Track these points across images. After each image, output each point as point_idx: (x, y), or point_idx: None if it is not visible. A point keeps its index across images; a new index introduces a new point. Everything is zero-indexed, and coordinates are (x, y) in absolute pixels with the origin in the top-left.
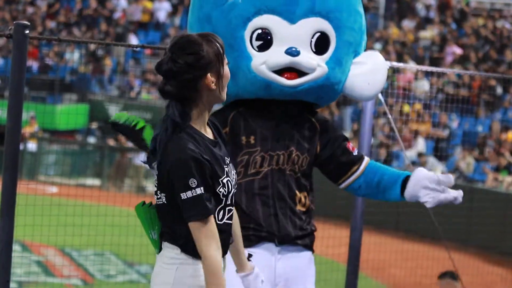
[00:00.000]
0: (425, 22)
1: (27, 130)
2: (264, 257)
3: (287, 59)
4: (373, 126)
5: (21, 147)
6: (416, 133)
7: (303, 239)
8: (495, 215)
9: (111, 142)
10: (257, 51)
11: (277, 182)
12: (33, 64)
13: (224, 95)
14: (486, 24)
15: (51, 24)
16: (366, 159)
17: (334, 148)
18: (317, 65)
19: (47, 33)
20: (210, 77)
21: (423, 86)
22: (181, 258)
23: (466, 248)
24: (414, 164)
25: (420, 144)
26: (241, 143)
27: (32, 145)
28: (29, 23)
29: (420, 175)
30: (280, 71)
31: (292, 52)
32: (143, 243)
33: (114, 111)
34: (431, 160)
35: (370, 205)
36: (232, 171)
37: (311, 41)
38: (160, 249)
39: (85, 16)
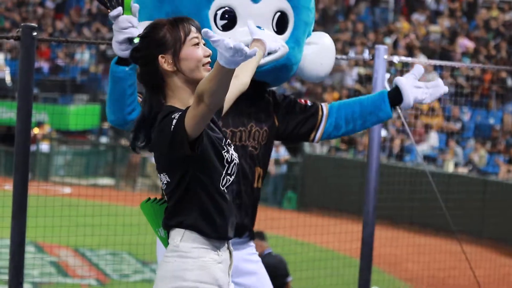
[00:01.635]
0: (435, 16)
1: (39, 131)
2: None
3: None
4: None
5: (34, 148)
6: (428, 127)
7: (251, 225)
8: (509, 207)
9: (123, 142)
10: (221, 30)
11: (241, 158)
12: (44, 65)
13: (195, 75)
14: (496, 17)
15: (60, 24)
16: (324, 104)
17: (290, 113)
18: (281, 45)
19: (57, 33)
20: (162, 59)
21: (434, 79)
22: (180, 250)
23: (480, 241)
24: (427, 158)
25: (433, 138)
26: None
27: (44, 146)
28: (36, 25)
29: (403, 82)
30: None
31: None
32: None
33: None
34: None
35: (382, 199)
36: (232, 149)
37: (272, 20)
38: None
39: (95, 16)
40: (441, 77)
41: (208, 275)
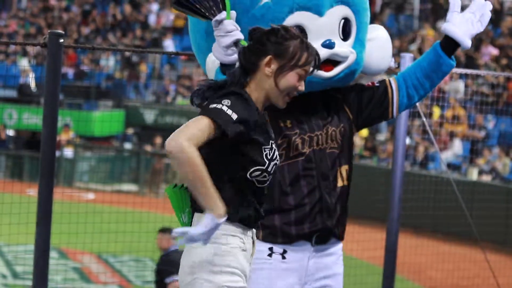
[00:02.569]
0: None
1: (62, 137)
2: (297, 256)
3: (326, 52)
4: (409, 127)
5: (58, 154)
6: (452, 135)
7: (341, 227)
8: None
9: (147, 148)
10: None
11: (320, 162)
12: (69, 71)
13: (281, 99)
14: None
15: (86, 30)
16: (392, 78)
17: (361, 101)
18: (350, 52)
19: (82, 39)
20: (269, 60)
21: (458, 87)
22: None
23: (504, 249)
24: (451, 166)
25: (457, 146)
26: (279, 126)
27: (68, 152)
28: (63, 32)
29: (451, 29)
30: None
31: (329, 44)
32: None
33: (150, 117)
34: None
35: (406, 207)
36: (276, 152)
37: (338, 29)
38: None
39: (120, 22)
40: (466, 85)
41: (236, 260)
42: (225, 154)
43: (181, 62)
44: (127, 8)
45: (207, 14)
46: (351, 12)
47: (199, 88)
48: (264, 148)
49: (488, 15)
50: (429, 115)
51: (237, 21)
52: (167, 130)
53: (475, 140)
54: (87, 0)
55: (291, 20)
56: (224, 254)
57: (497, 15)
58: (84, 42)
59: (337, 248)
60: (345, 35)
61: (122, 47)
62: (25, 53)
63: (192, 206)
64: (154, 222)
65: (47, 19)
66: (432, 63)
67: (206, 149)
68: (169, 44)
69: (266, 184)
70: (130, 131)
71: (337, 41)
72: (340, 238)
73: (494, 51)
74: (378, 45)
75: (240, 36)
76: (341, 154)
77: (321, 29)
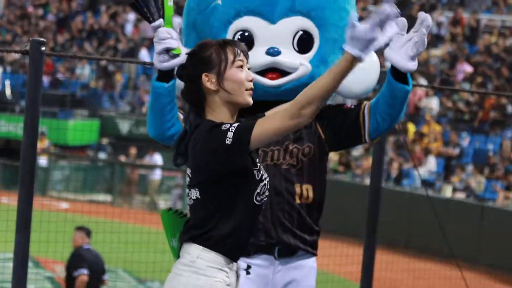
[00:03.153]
0: (436, 40)
1: (37, 145)
2: (262, 269)
3: (267, 59)
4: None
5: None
6: (427, 152)
7: (304, 243)
8: (506, 233)
9: (122, 158)
10: None
11: (273, 177)
12: (44, 79)
13: (243, 99)
14: (497, 42)
15: (61, 38)
16: (367, 102)
17: (334, 121)
18: (299, 64)
19: (59, 47)
20: (205, 77)
21: (433, 104)
22: (195, 266)
23: (477, 267)
24: (425, 182)
25: (431, 163)
26: None
27: (43, 161)
28: (45, 40)
29: (390, 55)
30: (263, 72)
31: (272, 52)
32: (155, 259)
33: (125, 127)
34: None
35: (380, 223)
36: (262, 169)
37: (293, 40)
38: (179, 256)
39: (97, 31)
40: (441, 102)
41: None
42: (221, 188)
43: (156, 72)
44: (104, 18)
45: (150, 19)
46: (313, 26)
47: (175, 153)
48: (255, 171)
49: (424, 33)
50: (404, 131)
51: (194, 20)
52: (141, 141)
53: (449, 157)
54: (63, 8)
55: (238, 24)
56: (206, 286)
57: (473, 33)
58: (60, 50)
59: (308, 261)
60: (303, 48)
61: (98, 56)
62: (0, 61)
63: (183, 236)
64: (129, 233)
65: (23, 27)
66: (388, 90)
67: (202, 192)
68: (145, 55)
69: (260, 206)
70: (105, 141)
71: (288, 51)
72: (308, 251)
73: (469, 69)
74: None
75: (173, 44)
76: (301, 172)
77: (269, 36)
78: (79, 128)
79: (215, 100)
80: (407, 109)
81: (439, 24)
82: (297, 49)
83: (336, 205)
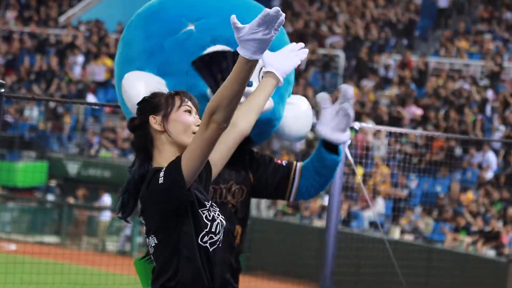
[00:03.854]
0: (384, 82)
1: None
2: None
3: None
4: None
5: None
6: (375, 193)
7: (236, 282)
8: (454, 275)
9: (70, 200)
10: None
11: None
12: None
13: (182, 139)
14: (445, 85)
15: (9, 80)
16: (298, 163)
17: (265, 171)
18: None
19: (7, 89)
20: (152, 119)
21: (381, 145)
22: None
23: None
24: (372, 225)
25: (380, 204)
26: None
27: None
28: (4, 82)
29: (321, 131)
30: None
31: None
32: None
33: (73, 169)
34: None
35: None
36: (217, 211)
37: (259, 73)
38: None
39: (44, 73)
40: (389, 143)
41: None
42: (175, 230)
43: (105, 115)
44: (53, 59)
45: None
46: None
47: (120, 203)
48: (202, 211)
49: (349, 106)
50: (353, 173)
51: (159, 43)
52: (90, 183)
53: (398, 199)
54: (11, 51)
55: (211, 51)
56: None
57: (421, 75)
58: (9, 92)
59: None
60: None
61: (58, 99)
62: None
63: (152, 285)
64: (76, 274)
65: None
66: (318, 160)
67: (159, 238)
68: (92, 98)
69: (216, 246)
70: (53, 182)
71: (256, 85)
72: None
73: (418, 111)
74: (294, 113)
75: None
76: (237, 213)
77: None
78: (28, 169)
79: (162, 141)
80: (355, 151)
81: (387, 67)
82: None
83: (284, 246)
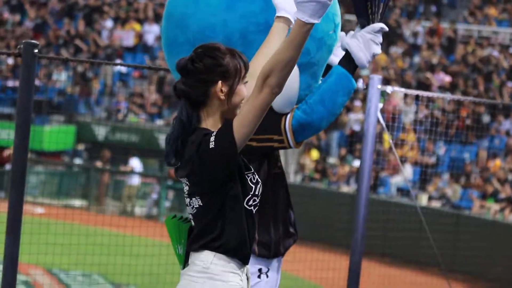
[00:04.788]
0: (412, 49)
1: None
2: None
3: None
4: (359, 150)
5: (8, 167)
6: (403, 159)
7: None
8: (482, 242)
9: (97, 164)
10: None
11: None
12: None
13: (234, 112)
14: (474, 52)
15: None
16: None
17: None
18: None
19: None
20: (221, 86)
21: (409, 111)
22: (210, 272)
23: (453, 275)
24: (400, 190)
25: (407, 171)
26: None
27: None
28: (37, 42)
29: (350, 43)
30: None
31: None
32: (131, 263)
33: (101, 133)
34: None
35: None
36: (255, 174)
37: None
38: (185, 264)
39: (73, 37)
40: (417, 109)
41: None
42: (222, 193)
43: (133, 79)
44: (81, 24)
45: (369, 20)
46: None
47: (171, 149)
48: (247, 174)
49: (377, 30)
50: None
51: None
52: (117, 147)
53: (426, 165)
54: (40, 14)
55: None
56: None
57: (450, 43)
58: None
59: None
60: None
61: (88, 59)
62: None
63: (192, 244)
64: (101, 235)
65: None
66: (332, 81)
67: (204, 200)
68: (121, 62)
69: (257, 208)
70: (81, 146)
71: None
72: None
73: (447, 78)
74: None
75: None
76: None
77: None
78: (56, 133)
79: (216, 107)
80: (384, 116)
81: (415, 34)
82: None
83: (315, 212)
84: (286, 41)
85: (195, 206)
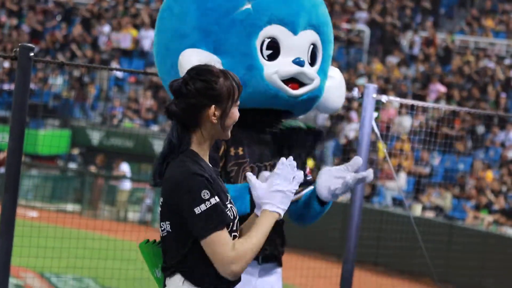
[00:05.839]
0: (409, 59)
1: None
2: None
3: (295, 69)
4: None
5: (2, 170)
6: (398, 168)
7: (280, 255)
8: (474, 253)
9: (92, 169)
10: (267, 60)
11: None
12: None
13: (227, 134)
14: (470, 63)
15: (35, 49)
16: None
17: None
18: (316, 75)
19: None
20: (214, 110)
21: (406, 122)
22: None
23: (445, 286)
24: (395, 200)
25: (402, 179)
26: (230, 154)
27: None
28: (33, 46)
29: (325, 172)
30: (286, 81)
31: (300, 62)
32: (122, 267)
33: (96, 138)
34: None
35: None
36: (233, 203)
37: (307, 52)
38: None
39: (70, 42)
40: (412, 119)
41: None
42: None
43: (129, 84)
44: (78, 28)
45: None
46: (320, 41)
47: (156, 169)
48: (226, 206)
49: (353, 183)
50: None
51: (216, 23)
52: (111, 152)
53: (419, 175)
54: (37, 19)
55: (267, 31)
56: None
57: (446, 53)
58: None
59: (279, 270)
60: (312, 61)
61: (84, 64)
62: None
63: (163, 270)
64: (95, 240)
65: None
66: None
67: (173, 228)
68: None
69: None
70: (76, 151)
71: (306, 63)
72: (280, 261)
73: (442, 89)
74: (335, 84)
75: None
76: None
77: (292, 46)
78: (51, 137)
79: (206, 131)
80: (379, 126)
81: (412, 44)
82: (309, 61)
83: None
84: (260, 233)
85: (165, 229)
